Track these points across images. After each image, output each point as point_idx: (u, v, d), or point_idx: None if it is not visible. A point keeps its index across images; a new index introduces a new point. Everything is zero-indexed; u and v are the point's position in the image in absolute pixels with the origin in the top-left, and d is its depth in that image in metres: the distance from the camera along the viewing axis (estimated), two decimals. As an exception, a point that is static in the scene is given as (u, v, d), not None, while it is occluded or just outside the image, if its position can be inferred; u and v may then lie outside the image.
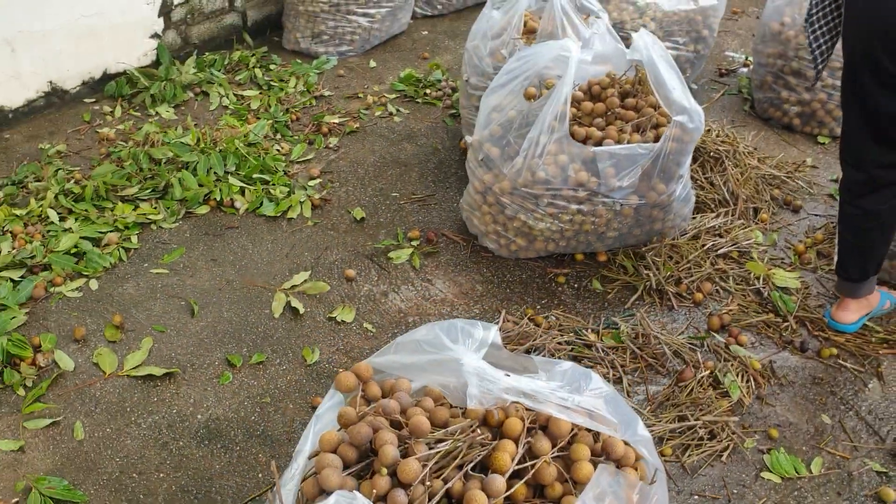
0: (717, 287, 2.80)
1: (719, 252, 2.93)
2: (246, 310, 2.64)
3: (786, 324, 2.64)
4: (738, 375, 2.40)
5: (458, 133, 3.73)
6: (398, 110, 3.94)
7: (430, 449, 1.46)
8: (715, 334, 2.59)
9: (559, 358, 2.42)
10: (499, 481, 1.40)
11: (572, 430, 1.51)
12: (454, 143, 3.66)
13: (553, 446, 1.49)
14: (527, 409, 1.53)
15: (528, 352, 2.45)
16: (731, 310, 2.69)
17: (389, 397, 1.65)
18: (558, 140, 2.62)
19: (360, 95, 4.06)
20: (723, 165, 3.29)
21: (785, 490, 2.08)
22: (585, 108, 2.81)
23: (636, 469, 1.52)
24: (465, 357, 1.56)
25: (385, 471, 1.41)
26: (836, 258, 2.61)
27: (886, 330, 2.62)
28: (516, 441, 1.49)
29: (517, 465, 1.45)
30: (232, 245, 2.95)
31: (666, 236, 2.93)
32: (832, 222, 3.18)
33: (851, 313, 2.60)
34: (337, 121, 3.79)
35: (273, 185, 3.24)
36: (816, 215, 3.25)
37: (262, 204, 3.14)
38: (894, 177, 2.38)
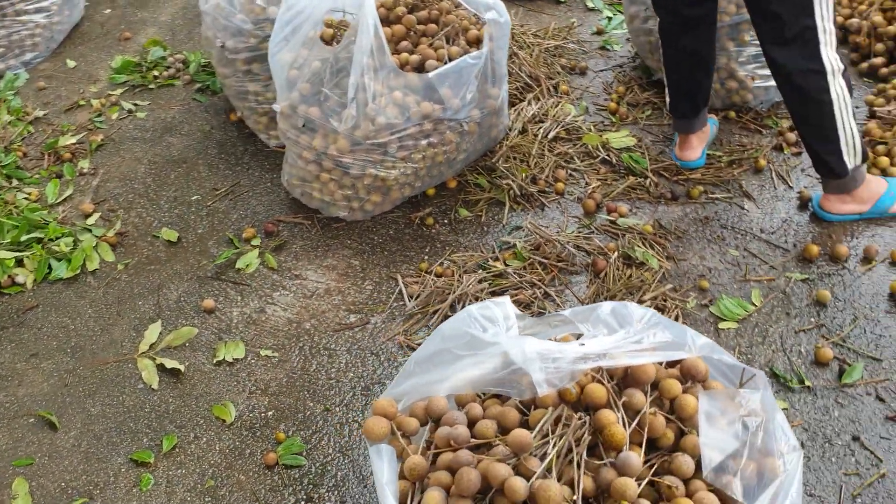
0: (569, 171, 2.78)
1: (550, 137, 2.90)
2: (116, 395, 2.16)
3: (647, 180, 2.70)
4: (642, 245, 2.42)
5: (221, 107, 3.29)
6: (136, 105, 3.38)
7: (540, 458, 1.27)
8: (597, 216, 2.58)
9: (483, 298, 2.27)
10: (633, 459, 1.25)
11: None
12: (223, 120, 3.23)
13: (645, 395, 1.36)
14: (598, 370, 1.38)
15: (452, 306, 2.27)
16: (594, 187, 2.69)
17: (433, 422, 1.42)
18: (386, 77, 2.37)
19: (82, 103, 3.42)
20: (510, 51, 3.22)
21: (746, 331, 2.16)
22: (385, 35, 2.56)
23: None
24: (511, 344, 1.35)
25: (524, 507, 1.20)
26: (667, 100, 2.69)
27: (726, 151, 2.79)
28: (609, 407, 1.34)
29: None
30: (44, 329, 2.38)
31: (500, 140, 2.84)
32: (621, 72, 3.29)
33: (695, 149, 2.72)
34: (74, 141, 3.16)
35: (51, 240, 2.64)
36: (601, 70, 3.33)
37: (50, 268, 2.56)
38: (704, 11, 2.45)
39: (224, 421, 2.07)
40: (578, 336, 1.49)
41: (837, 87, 2.18)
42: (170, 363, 2.20)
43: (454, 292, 2.28)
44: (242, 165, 2.97)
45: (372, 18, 2.33)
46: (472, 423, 1.39)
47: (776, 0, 2.12)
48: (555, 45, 3.38)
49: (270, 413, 2.08)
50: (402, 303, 2.33)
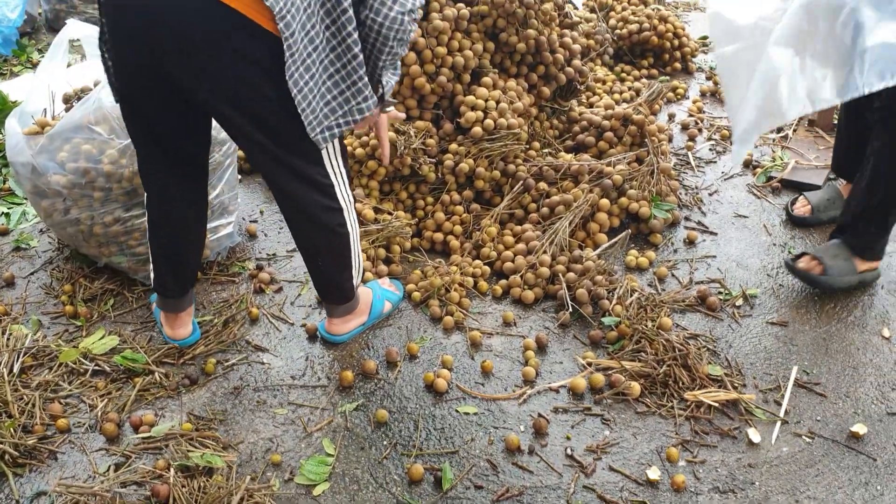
0: (63, 401, 2.36)
1: (17, 371, 2.42)
2: None
3: (155, 374, 2.44)
4: (193, 447, 2.18)
5: None
6: None
7: None
8: (125, 437, 2.24)
9: None
10: None
11: None
12: None
13: None
14: None
15: None
16: (103, 407, 2.33)
17: None
18: None
19: None
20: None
21: (340, 485, 2.11)
22: None
23: None
24: None
25: None
26: (152, 275, 2.49)
27: (215, 313, 2.70)
28: None
29: None
30: None
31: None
32: (56, 269, 2.93)
33: (186, 324, 2.57)
34: None
35: None
36: (32, 274, 2.93)
37: None
38: (195, 198, 2.37)
39: None
40: None
41: (352, 219, 2.31)
42: None
43: None
44: None
45: None
46: None
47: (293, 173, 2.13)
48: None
49: None
50: None
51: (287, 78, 1.87)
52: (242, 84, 1.92)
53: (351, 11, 1.90)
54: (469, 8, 3.18)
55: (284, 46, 1.83)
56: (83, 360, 2.49)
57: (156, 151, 2.21)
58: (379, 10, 1.94)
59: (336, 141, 2.18)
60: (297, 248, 2.38)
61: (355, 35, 1.93)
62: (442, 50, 3.08)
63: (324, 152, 2.15)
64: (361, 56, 1.97)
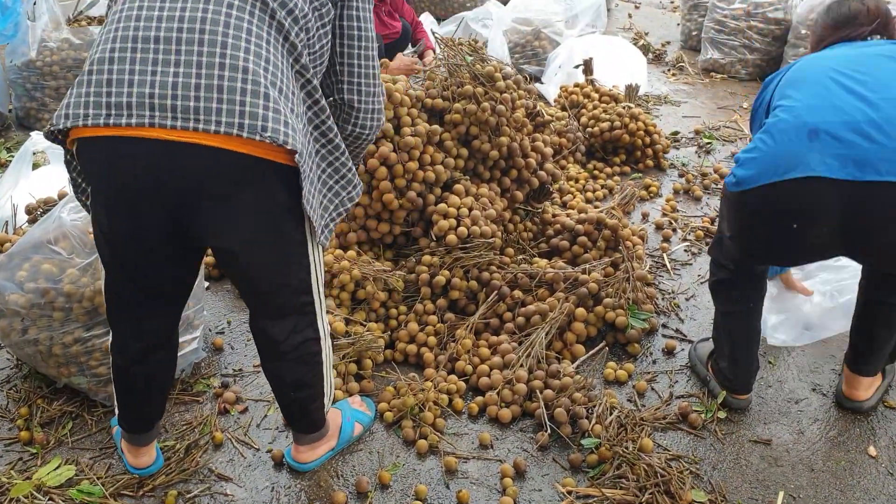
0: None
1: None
2: None
3: (113, 511, 2.31)
4: None
5: None
6: None
7: None
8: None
9: None
10: None
11: None
12: None
13: None
14: None
15: None
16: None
17: None
18: None
19: None
20: None
21: None
22: None
23: None
24: None
25: None
26: (116, 411, 2.38)
27: (176, 437, 2.57)
28: None
29: None
30: None
31: None
32: (12, 388, 2.80)
33: (148, 452, 2.44)
34: None
35: None
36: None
37: None
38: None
39: None
40: None
41: (327, 347, 2.24)
42: None
43: None
44: None
45: None
46: None
47: (267, 282, 2.04)
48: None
49: None
50: None
51: (303, 200, 1.87)
52: (259, 222, 1.90)
53: (331, 118, 1.98)
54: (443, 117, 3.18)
55: (301, 175, 1.84)
56: (36, 494, 2.35)
57: (137, 297, 2.09)
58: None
59: (322, 266, 2.14)
60: (268, 380, 2.28)
61: (336, 130, 1.99)
62: (413, 165, 3.06)
63: (313, 278, 2.09)
64: (344, 146, 2.02)
